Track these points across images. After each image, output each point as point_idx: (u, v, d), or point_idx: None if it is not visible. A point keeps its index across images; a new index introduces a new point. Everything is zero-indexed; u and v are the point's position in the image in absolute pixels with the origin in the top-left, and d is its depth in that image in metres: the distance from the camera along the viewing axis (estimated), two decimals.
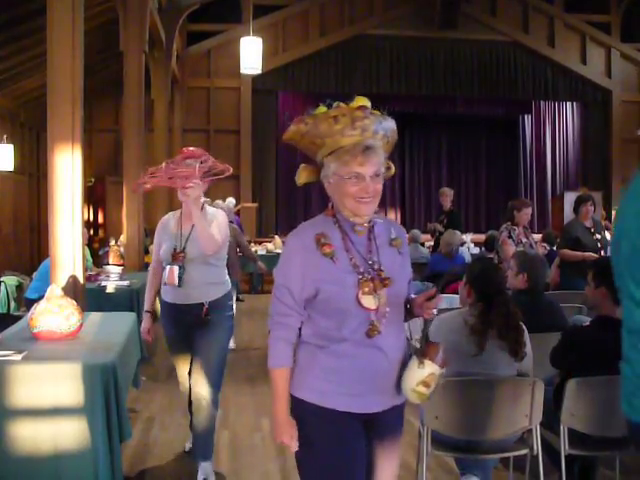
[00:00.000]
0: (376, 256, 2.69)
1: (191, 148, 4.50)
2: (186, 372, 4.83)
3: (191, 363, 4.74)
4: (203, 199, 4.61)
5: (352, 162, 2.62)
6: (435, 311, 2.75)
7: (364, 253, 2.68)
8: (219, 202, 6.22)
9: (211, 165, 4.42)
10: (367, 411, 2.69)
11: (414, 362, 2.67)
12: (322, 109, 2.70)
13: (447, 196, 11.77)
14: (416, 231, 12.58)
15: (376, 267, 2.66)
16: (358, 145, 2.63)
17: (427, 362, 2.65)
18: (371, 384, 2.66)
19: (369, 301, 2.60)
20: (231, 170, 4.58)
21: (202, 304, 4.61)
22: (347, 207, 2.66)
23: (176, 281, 4.56)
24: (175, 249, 4.62)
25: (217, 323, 4.65)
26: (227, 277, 4.87)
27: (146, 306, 4.91)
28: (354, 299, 2.59)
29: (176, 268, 4.58)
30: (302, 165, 2.81)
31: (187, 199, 4.46)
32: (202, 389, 4.63)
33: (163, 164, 4.43)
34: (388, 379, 2.69)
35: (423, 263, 10.56)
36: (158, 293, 4.95)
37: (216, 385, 4.69)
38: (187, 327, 4.67)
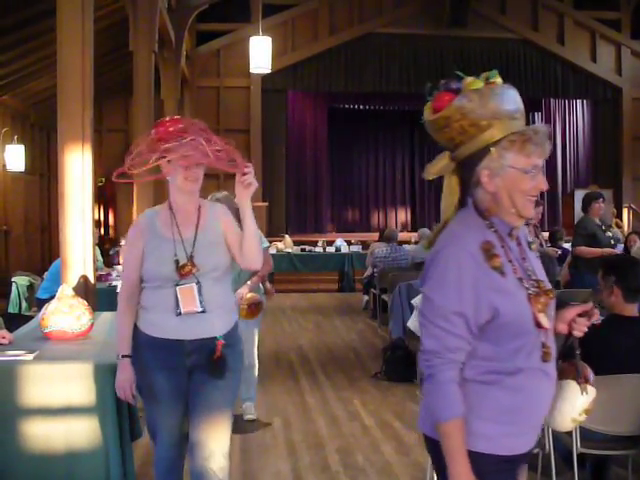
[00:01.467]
0: (529, 264, 2.27)
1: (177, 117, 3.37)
2: (176, 437, 3.50)
3: (188, 424, 3.48)
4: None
5: (536, 152, 2.17)
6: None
7: (520, 262, 2.24)
8: (217, 194, 5.65)
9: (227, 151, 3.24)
10: (525, 450, 2.25)
11: (573, 389, 2.34)
12: (478, 82, 2.23)
13: None
14: (426, 230, 12.57)
15: (534, 278, 2.23)
16: (539, 132, 2.19)
17: (589, 388, 2.36)
18: (538, 418, 2.27)
19: (544, 319, 2.18)
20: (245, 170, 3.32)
21: (215, 339, 3.34)
22: (517, 206, 2.18)
23: (198, 306, 3.31)
24: (178, 261, 3.31)
25: (230, 364, 3.39)
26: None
27: (121, 349, 3.41)
28: (532, 319, 2.16)
29: (194, 286, 3.30)
30: (444, 153, 2.28)
31: (247, 192, 3.33)
32: (212, 461, 3.37)
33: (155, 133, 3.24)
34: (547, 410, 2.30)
35: None
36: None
37: (227, 449, 3.47)
38: (185, 373, 3.39)
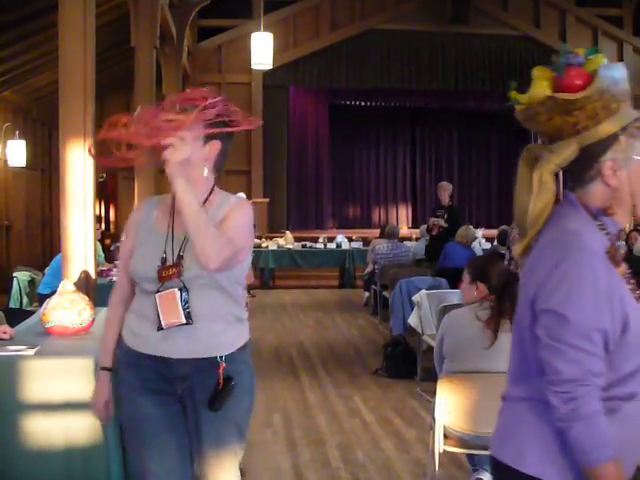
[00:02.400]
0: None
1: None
2: None
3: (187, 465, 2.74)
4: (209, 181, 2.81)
5: None
6: None
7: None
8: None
9: (221, 111, 2.60)
10: None
11: None
12: (601, 57, 1.96)
13: (446, 191, 11.63)
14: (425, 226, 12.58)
15: (632, 281, 1.92)
16: None
17: None
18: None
19: None
20: (255, 124, 2.79)
21: (215, 361, 2.66)
22: (638, 203, 1.89)
23: (182, 317, 2.62)
24: (164, 260, 2.67)
25: (238, 394, 2.69)
26: (246, 312, 2.90)
27: (103, 359, 2.87)
28: None
29: (176, 292, 2.63)
30: (569, 141, 1.93)
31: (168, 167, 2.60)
32: None
33: (139, 108, 2.74)
34: None
35: None
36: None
37: None
38: (178, 402, 2.73)
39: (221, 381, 2.63)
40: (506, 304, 3.90)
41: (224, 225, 2.64)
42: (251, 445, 5.36)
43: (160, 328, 2.62)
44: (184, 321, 2.61)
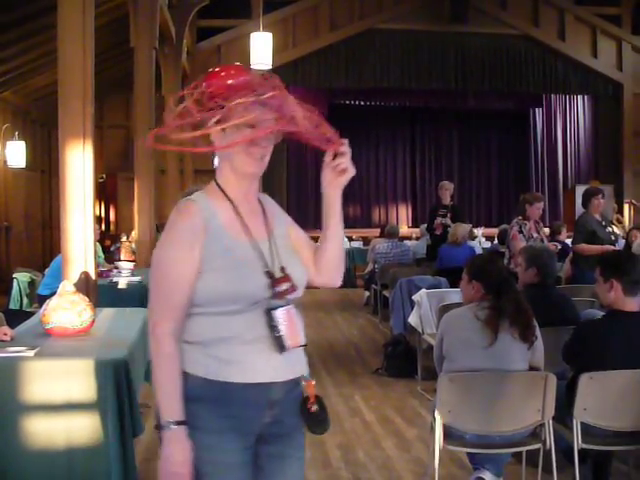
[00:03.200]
0: None
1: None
2: None
3: None
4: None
5: None
6: None
7: None
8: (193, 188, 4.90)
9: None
10: None
11: None
12: None
13: (447, 190, 11.58)
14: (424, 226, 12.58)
15: None
16: None
17: None
18: None
19: None
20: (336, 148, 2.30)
21: (299, 380, 2.39)
22: None
23: (302, 337, 2.38)
24: (270, 274, 2.31)
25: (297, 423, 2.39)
26: None
27: (172, 410, 2.21)
28: None
29: (293, 311, 2.37)
30: None
31: (339, 181, 2.31)
32: None
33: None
34: None
35: None
36: None
37: None
38: (253, 444, 2.34)
39: (313, 399, 2.35)
40: (505, 303, 3.91)
41: (303, 235, 2.55)
42: None
43: (283, 350, 2.28)
44: (304, 342, 2.37)
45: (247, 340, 2.26)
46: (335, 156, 2.29)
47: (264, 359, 2.27)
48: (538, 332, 3.98)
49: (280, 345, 2.27)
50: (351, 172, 2.31)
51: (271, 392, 2.29)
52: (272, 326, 2.28)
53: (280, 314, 2.29)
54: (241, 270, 2.26)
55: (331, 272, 2.51)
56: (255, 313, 2.27)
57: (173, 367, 2.22)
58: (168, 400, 2.21)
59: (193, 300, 2.25)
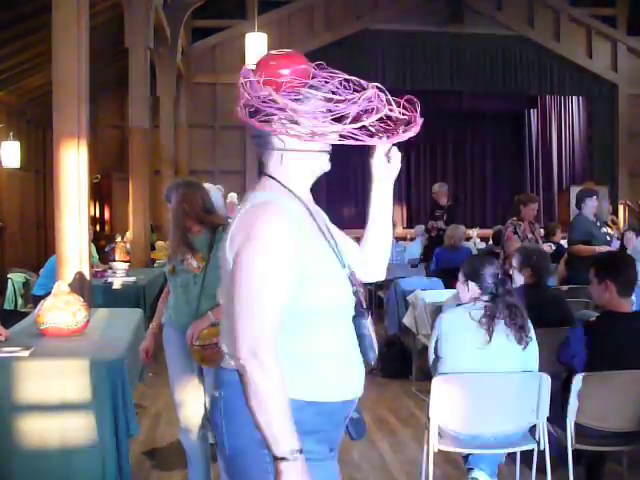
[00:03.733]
0: None
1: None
2: None
3: None
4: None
5: None
6: None
7: None
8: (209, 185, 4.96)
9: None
10: None
11: None
12: None
13: (442, 193, 11.62)
14: (421, 227, 12.58)
15: None
16: None
17: None
18: None
19: None
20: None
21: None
22: None
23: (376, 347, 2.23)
24: (351, 279, 2.19)
25: None
26: None
27: (289, 439, 1.95)
28: None
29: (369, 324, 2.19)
30: None
31: (393, 173, 2.44)
32: None
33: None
34: None
35: None
36: None
37: None
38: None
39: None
40: (500, 304, 3.91)
41: (342, 233, 2.42)
42: None
43: (371, 361, 2.20)
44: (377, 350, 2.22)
45: (341, 354, 2.11)
46: (386, 150, 2.38)
47: (355, 373, 2.17)
48: (532, 333, 3.98)
49: (369, 356, 2.18)
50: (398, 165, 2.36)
51: (352, 407, 2.24)
52: (362, 335, 2.15)
53: (368, 322, 2.17)
54: (332, 278, 2.10)
55: (381, 266, 2.42)
56: (344, 324, 2.13)
57: (284, 392, 1.96)
58: (285, 429, 1.95)
59: (285, 315, 2.01)
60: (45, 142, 15.67)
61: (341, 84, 2.19)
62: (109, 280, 7.76)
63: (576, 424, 3.87)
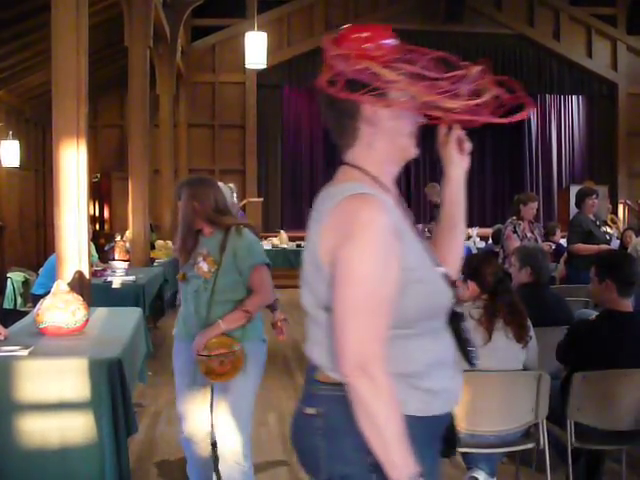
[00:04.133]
0: None
1: None
2: None
3: None
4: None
5: None
6: None
7: None
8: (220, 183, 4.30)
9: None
10: None
11: None
12: None
13: (433, 194, 11.68)
14: (419, 226, 12.59)
15: None
16: None
17: None
18: None
19: None
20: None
21: None
22: None
23: None
24: (448, 278, 2.00)
25: None
26: None
27: (412, 464, 1.75)
28: None
29: None
30: None
31: (466, 160, 2.27)
32: None
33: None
34: None
35: None
36: None
37: None
38: None
39: None
40: (499, 303, 3.92)
41: None
42: None
43: (473, 366, 2.04)
44: None
45: (449, 362, 1.94)
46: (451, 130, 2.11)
47: (459, 381, 1.99)
48: (532, 332, 3.99)
49: (472, 360, 2.02)
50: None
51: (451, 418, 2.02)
52: (464, 339, 2.00)
53: (469, 324, 2.05)
54: (434, 279, 1.89)
55: (457, 263, 2.17)
56: (446, 328, 1.96)
57: (398, 410, 1.75)
58: (403, 452, 1.73)
59: (392, 321, 1.79)
60: (44, 141, 15.67)
61: (432, 62, 2.03)
62: (109, 279, 7.76)
63: (575, 423, 3.87)
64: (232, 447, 3.82)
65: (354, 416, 1.74)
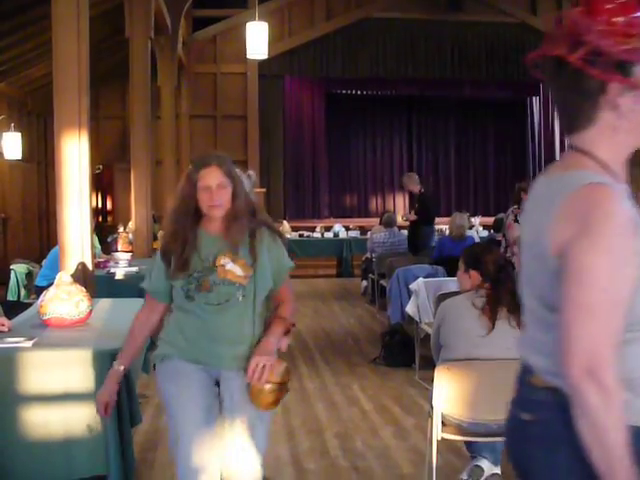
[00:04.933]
0: None
1: None
2: None
3: None
4: None
5: None
6: None
7: None
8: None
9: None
10: None
11: None
12: None
13: (410, 183, 11.72)
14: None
15: None
16: None
17: None
18: None
19: None
20: None
21: None
22: None
23: None
24: None
25: None
26: None
27: None
28: None
29: None
30: None
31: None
32: None
33: None
34: None
35: None
36: None
37: None
38: None
39: None
40: (502, 291, 3.92)
41: None
42: None
43: None
44: None
45: None
46: None
47: None
48: None
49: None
50: None
51: None
52: None
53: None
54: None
55: None
56: None
57: (624, 421, 1.60)
58: (626, 467, 1.58)
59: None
60: (46, 133, 15.67)
61: None
62: (111, 270, 7.76)
63: None
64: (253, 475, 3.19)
65: (574, 424, 1.61)
